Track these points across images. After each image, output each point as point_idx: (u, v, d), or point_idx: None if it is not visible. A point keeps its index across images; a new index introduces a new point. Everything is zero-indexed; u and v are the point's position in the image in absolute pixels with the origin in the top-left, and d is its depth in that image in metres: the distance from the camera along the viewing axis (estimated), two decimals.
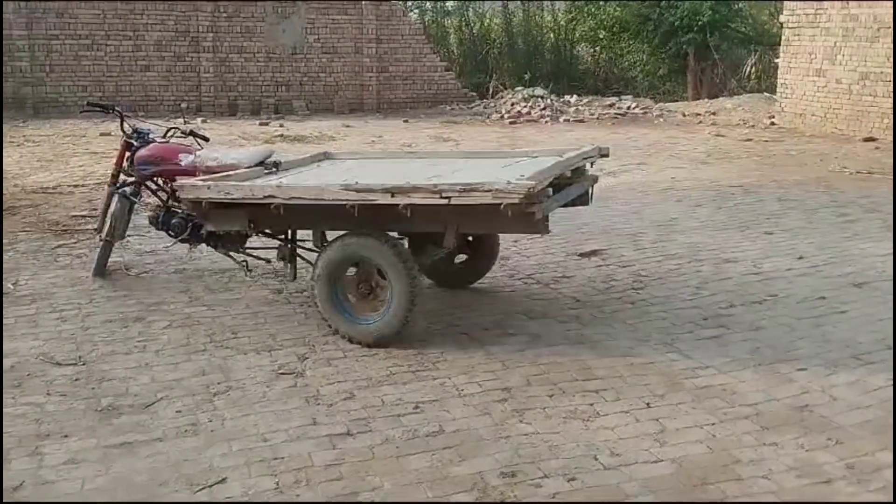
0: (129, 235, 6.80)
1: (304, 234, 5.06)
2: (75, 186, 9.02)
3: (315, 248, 4.88)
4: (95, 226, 6.22)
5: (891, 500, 3.08)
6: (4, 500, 3.04)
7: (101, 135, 13.38)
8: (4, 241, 6.65)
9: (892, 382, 4.00)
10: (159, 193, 5.51)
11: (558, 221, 7.53)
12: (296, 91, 18.01)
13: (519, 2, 22.67)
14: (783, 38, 15.39)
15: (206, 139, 5.71)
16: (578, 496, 3.06)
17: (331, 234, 4.84)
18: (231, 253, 5.24)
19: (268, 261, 5.48)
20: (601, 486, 3.12)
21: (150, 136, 5.58)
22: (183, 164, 5.26)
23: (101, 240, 5.85)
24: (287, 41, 17.86)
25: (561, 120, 16.35)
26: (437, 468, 3.24)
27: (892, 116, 12.85)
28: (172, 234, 5.28)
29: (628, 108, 17.48)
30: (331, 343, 4.54)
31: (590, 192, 5.21)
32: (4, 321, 4.85)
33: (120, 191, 5.69)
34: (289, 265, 5.05)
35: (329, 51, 18.18)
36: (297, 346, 4.49)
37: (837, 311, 5.13)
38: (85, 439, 3.46)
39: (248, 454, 3.34)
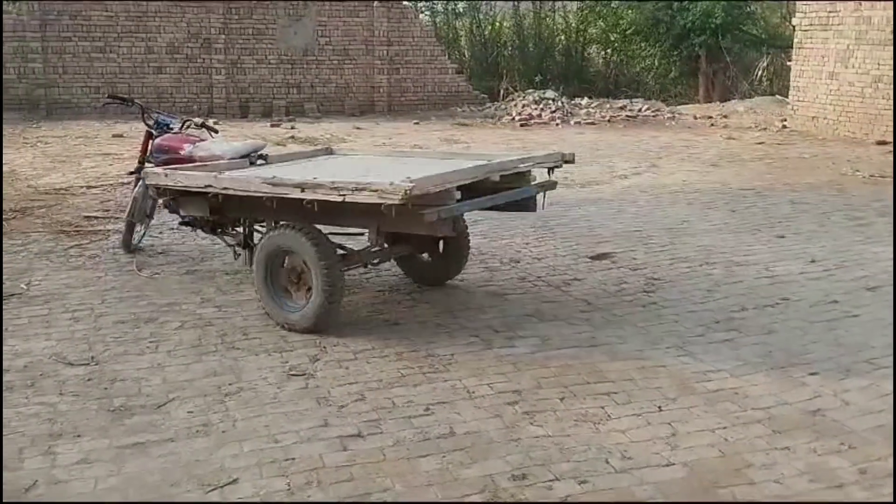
0: (141, 237, 6.88)
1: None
2: (88, 187, 9.07)
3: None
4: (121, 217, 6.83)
5: (891, 500, 3.07)
6: (5, 501, 3.06)
7: (114, 136, 13.45)
8: (17, 241, 6.69)
9: None
10: None
11: (568, 224, 7.55)
12: (307, 93, 18.06)
13: (530, 2, 22.64)
14: (795, 40, 15.33)
15: (215, 131, 6.24)
16: (589, 499, 3.06)
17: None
18: (226, 237, 5.62)
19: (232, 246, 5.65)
20: (612, 489, 3.11)
21: (171, 127, 6.06)
22: (182, 153, 5.66)
23: (124, 220, 6.46)
24: (298, 43, 17.91)
25: (572, 122, 16.34)
26: (448, 470, 3.24)
27: None
28: (181, 217, 5.70)
29: (639, 110, 17.45)
30: (341, 345, 4.55)
31: (537, 198, 5.27)
32: (18, 321, 4.88)
33: (141, 176, 5.91)
34: (245, 252, 5.43)
35: (340, 53, 18.22)
36: (308, 348, 4.50)
37: (850, 314, 5.11)
38: (97, 439, 3.47)
39: (259, 455, 3.35)
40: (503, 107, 18.09)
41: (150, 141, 6.13)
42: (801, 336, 4.73)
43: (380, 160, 6.04)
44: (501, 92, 20.16)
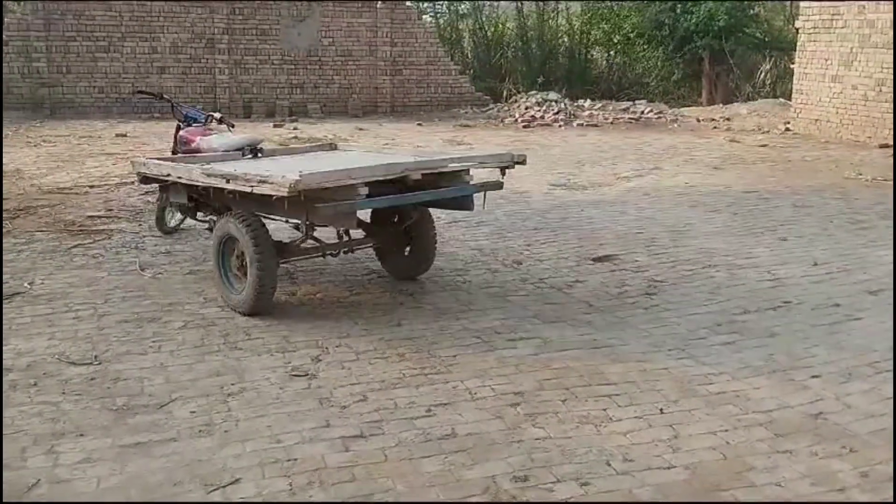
0: (144, 237, 6.92)
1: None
2: (91, 187, 9.08)
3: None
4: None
5: (891, 500, 3.07)
6: (5, 500, 3.07)
7: (117, 135, 13.48)
8: (21, 240, 6.71)
9: None
10: None
11: (571, 226, 7.55)
12: (310, 93, 18.07)
13: (533, 4, 22.63)
14: (799, 43, 15.32)
15: (231, 126, 6.72)
16: (591, 501, 3.06)
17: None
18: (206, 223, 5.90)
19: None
20: (614, 491, 3.12)
21: (198, 120, 6.54)
22: (193, 145, 6.16)
23: (155, 203, 6.96)
24: (302, 44, 17.92)
25: (574, 124, 16.34)
26: (450, 471, 3.25)
27: None
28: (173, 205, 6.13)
29: (642, 112, 17.44)
30: (344, 345, 4.56)
31: (473, 197, 5.39)
32: (21, 320, 4.90)
33: None
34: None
35: (343, 54, 18.24)
36: (311, 348, 4.51)
37: (852, 318, 5.11)
38: (100, 438, 3.48)
39: (261, 455, 3.36)
40: (506, 108, 18.09)
41: (178, 133, 6.63)
42: (802, 339, 4.73)
43: (370, 156, 6.24)
44: (504, 93, 20.16)
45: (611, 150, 12.69)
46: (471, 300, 5.39)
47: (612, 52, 23.31)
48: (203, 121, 6.56)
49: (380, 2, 18.14)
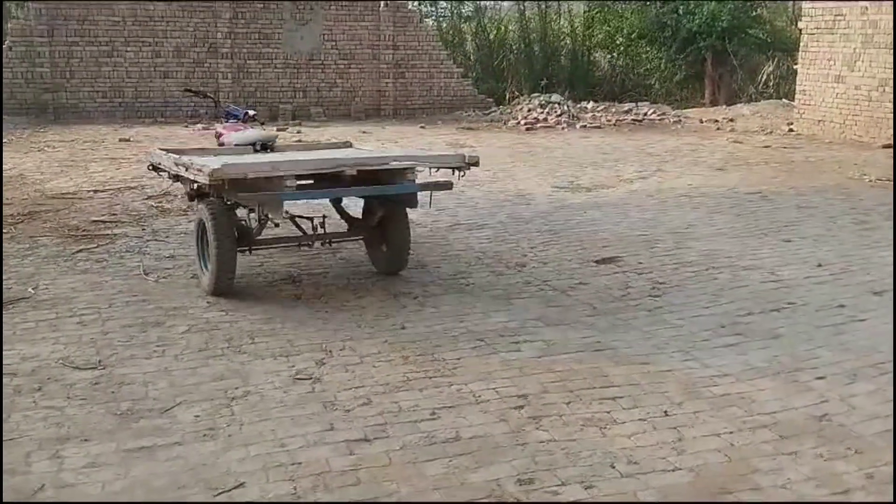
0: (147, 241, 6.93)
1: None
2: (95, 192, 9.09)
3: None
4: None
5: (891, 500, 3.06)
6: (4, 501, 3.08)
7: (121, 140, 13.50)
8: (25, 245, 6.72)
9: None
10: None
11: (574, 228, 7.55)
12: (313, 97, 18.10)
13: (535, 5, 22.64)
14: (802, 43, 15.31)
15: (261, 123, 7.36)
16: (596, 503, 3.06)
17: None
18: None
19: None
20: (618, 493, 3.11)
21: (237, 117, 6.97)
22: (220, 140, 6.71)
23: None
24: (304, 47, 17.95)
25: (577, 126, 16.33)
26: (454, 475, 3.24)
27: None
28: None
29: (645, 114, 17.44)
30: (347, 349, 4.56)
31: (417, 196, 5.56)
32: (26, 325, 4.91)
33: None
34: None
35: (346, 57, 18.26)
36: (315, 352, 4.51)
37: (856, 319, 5.10)
38: (104, 443, 3.48)
39: (265, 459, 3.36)
40: (509, 111, 18.08)
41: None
42: (807, 340, 4.72)
43: (375, 152, 6.68)
44: (507, 96, 20.17)
45: (614, 151, 12.68)
46: (474, 303, 5.39)
47: (614, 54, 23.31)
48: (240, 117, 6.96)
49: (382, 5, 18.16)
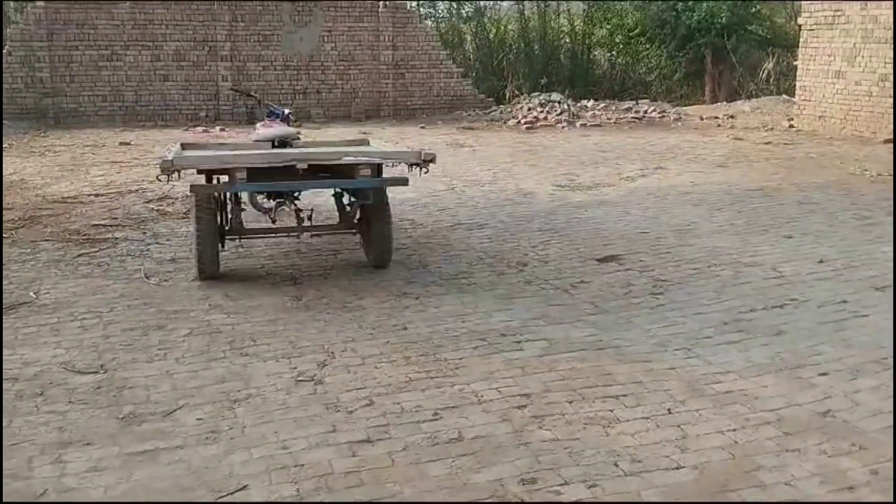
0: (148, 244, 6.93)
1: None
2: (96, 195, 9.10)
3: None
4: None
5: (891, 500, 3.05)
6: (4, 501, 3.07)
7: (121, 144, 13.50)
8: (26, 250, 6.72)
9: None
10: None
11: (575, 227, 7.54)
12: (313, 98, 18.10)
13: (535, 4, 22.63)
14: (801, 39, 15.30)
15: (294, 122, 7.40)
16: (599, 503, 3.05)
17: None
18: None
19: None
20: (622, 492, 3.11)
21: (279, 115, 7.01)
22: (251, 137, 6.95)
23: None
24: (304, 49, 17.95)
25: (577, 125, 16.33)
26: (457, 475, 3.24)
27: None
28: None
29: (645, 112, 17.43)
30: (349, 350, 4.56)
31: (371, 191, 5.81)
32: (27, 330, 4.90)
33: None
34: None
35: (346, 58, 18.26)
36: (316, 353, 4.51)
37: (859, 314, 5.09)
38: (107, 447, 3.48)
39: (268, 461, 3.35)
40: (509, 110, 18.08)
41: None
42: (809, 337, 4.71)
43: (381, 147, 6.86)
44: (507, 95, 20.16)
45: (614, 150, 12.68)
46: (476, 302, 5.38)
47: (614, 52, 23.30)
48: (281, 116, 7.10)
49: (381, 6, 18.16)
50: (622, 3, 22.82)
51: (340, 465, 3.31)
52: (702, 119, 16.88)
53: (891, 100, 13.17)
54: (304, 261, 6.40)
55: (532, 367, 4.29)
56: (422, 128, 16.30)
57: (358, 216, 6.26)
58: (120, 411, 3.82)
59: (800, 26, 15.49)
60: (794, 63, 16.09)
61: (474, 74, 21.13)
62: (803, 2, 15.36)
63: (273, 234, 6.42)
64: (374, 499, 3.09)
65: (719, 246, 6.79)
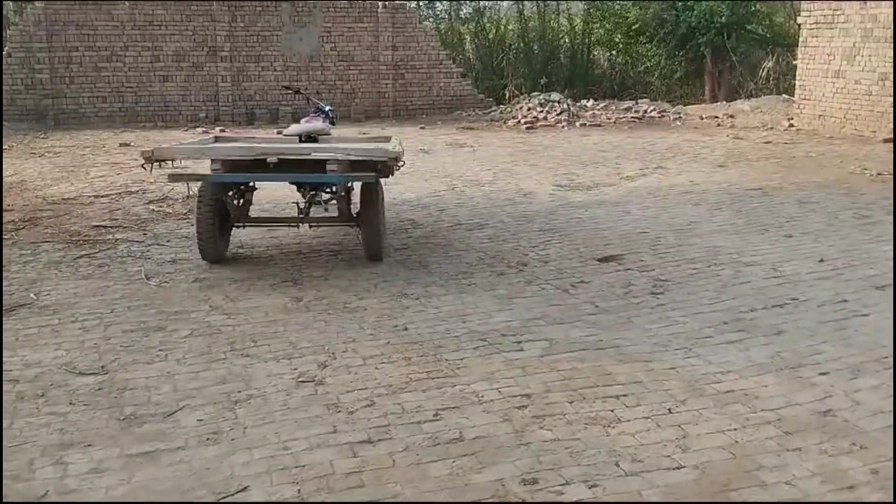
0: (149, 246, 6.93)
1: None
2: (96, 197, 9.10)
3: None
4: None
5: (891, 499, 3.05)
6: (4, 501, 3.08)
7: (121, 145, 13.50)
8: (27, 251, 6.72)
9: None
10: None
11: (575, 227, 7.54)
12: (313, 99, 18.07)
13: (535, 4, 22.62)
14: (801, 39, 15.29)
15: (325, 118, 7.41)
16: (599, 502, 3.05)
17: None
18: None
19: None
20: (623, 492, 3.11)
21: (324, 111, 7.29)
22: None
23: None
24: (304, 49, 17.95)
25: (577, 125, 16.33)
26: (458, 475, 3.24)
27: None
28: None
29: (645, 111, 17.42)
30: (350, 350, 4.56)
31: (338, 188, 6.14)
32: (28, 331, 4.91)
33: None
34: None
35: (345, 59, 18.25)
36: (317, 354, 4.51)
37: (859, 314, 5.09)
38: (108, 448, 3.48)
39: (269, 462, 3.36)
40: (509, 110, 18.07)
41: None
42: (810, 336, 4.71)
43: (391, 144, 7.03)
44: (507, 95, 20.16)
45: (614, 149, 12.68)
46: (476, 303, 5.38)
47: (613, 52, 23.30)
48: (327, 112, 7.37)
49: (381, 6, 18.16)
50: (622, 2, 22.81)
51: (341, 466, 3.32)
52: (702, 118, 16.88)
53: (891, 99, 13.16)
54: (304, 262, 6.41)
55: (533, 367, 4.29)
56: (421, 128, 16.30)
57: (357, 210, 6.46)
58: (121, 412, 3.82)
59: (799, 25, 15.49)
60: (794, 62, 16.08)
61: (474, 74, 21.13)
62: (803, 1, 15.35)
63: (275, 223, 7.05)
64: (376, 499, 3.09)
65: (719, 245, 6.79)
